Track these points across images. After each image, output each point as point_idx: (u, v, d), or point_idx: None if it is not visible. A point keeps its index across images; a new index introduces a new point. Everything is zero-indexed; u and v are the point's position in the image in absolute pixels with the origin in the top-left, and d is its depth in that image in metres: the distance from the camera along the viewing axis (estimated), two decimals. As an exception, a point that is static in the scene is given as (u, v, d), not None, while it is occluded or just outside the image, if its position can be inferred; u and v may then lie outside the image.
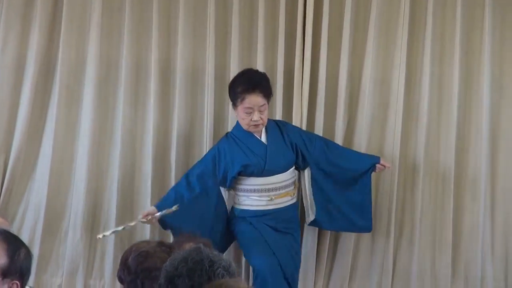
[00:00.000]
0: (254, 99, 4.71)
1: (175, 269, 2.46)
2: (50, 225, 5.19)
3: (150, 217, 4.60)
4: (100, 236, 4.53)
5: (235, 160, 4.81)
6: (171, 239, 4.90)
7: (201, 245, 2.55)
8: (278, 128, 4.92)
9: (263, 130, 4.85)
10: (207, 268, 2.46)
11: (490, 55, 5.22)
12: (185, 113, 5.21)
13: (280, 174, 4.87)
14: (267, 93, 4.79)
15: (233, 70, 5.15)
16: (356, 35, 5.23)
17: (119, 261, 5.07)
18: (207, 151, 5.07)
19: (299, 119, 5.15)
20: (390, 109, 5.22)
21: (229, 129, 5.04)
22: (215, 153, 4.84)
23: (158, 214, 4.61)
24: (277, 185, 4.87)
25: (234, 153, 4.81)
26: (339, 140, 5.21)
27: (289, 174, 4.91)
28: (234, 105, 4.79)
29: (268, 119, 4.86)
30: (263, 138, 4.86)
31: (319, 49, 5.18)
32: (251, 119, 4.73)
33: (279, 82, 5.17)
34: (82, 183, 5.16)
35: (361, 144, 5.21)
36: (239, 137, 4.86)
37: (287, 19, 5.20)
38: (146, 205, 5.16)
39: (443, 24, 5.24)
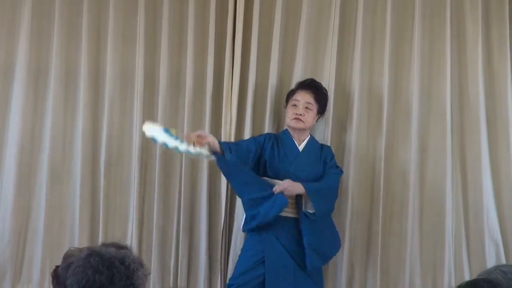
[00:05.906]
0: (303, 95, 4.90)
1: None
2: (-23, 230, 5.15)
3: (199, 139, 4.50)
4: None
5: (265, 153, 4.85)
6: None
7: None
8: (320, 147, 4.97)
9: (304, 142, 4.91)
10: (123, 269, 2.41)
11: (419, 65, 5.26)
12: (114, 118, 5.21)
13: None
14: (319, 98, 4.92)
15: (163, 75, 5.18)
16: (285, 43, 5.26)
17: (47, 264, 5.11)
18: (137, 156, 5.13)
19: (228, 125, 5.17)
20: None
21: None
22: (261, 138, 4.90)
23: (207, 141, 4.53)
24: None
25: (267, 147, 4.87)
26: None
27: None
28: (286, 104, 4.96)
29: (316, 140, 4.97)
30: (301, 147, 4.91)
31: (249, 56, 5.20)
32: (295, 112, 4.85)
33: (208, 88, 5.19)
34: (10, 188, 5.15)
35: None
36: (281, 137, 4.94)
37: (217, 25, 5.23)
38: (75, 208, 5.17)
39: (373, 33, 5.29)
